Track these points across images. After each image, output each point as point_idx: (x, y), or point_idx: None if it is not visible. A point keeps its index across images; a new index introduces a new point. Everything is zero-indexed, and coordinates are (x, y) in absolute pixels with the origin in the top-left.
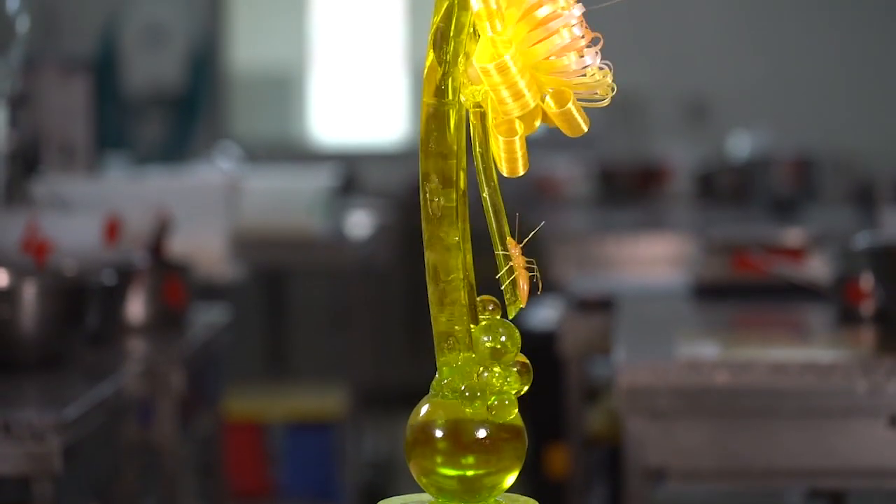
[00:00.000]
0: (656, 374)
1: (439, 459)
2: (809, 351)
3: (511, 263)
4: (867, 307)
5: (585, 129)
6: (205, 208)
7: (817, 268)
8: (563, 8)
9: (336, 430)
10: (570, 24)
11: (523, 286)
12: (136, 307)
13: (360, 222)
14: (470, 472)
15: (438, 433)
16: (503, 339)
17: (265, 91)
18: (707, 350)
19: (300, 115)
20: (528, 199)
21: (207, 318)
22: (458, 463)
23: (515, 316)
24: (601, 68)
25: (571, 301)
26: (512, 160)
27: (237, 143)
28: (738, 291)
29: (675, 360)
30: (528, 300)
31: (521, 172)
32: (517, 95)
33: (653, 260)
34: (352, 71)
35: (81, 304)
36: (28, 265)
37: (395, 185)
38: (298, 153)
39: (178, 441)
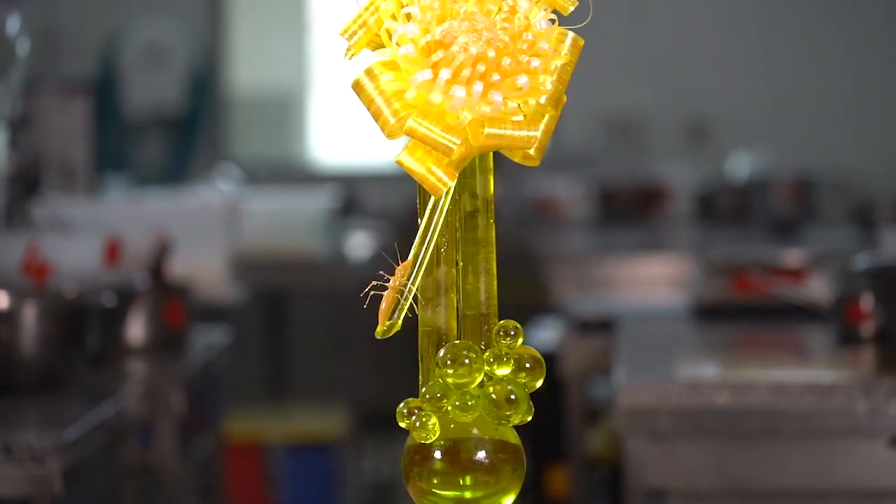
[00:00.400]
0: (657, 395)
1: (436, 480)
2: (810, 372)
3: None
4: (867, 328)
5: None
6: (205, 230)
7: (817, 288)
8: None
9: (336, 452)
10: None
11: (383, 305)
12: (136, 329)
13: (360, 244)
14: (468, 494)
15: (436, 454)
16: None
17: (265, 112)
18: (707, 371)
19: (300, 137)
20: (527, 219)
21: (208, 340)
22: (455, 484)
23: (521, 339)
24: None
25: (572, 322)
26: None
27: (237, 165)
28: (739, 312)
29: (675, 381)
30: (384, 323)
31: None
32: (375, 114)
33: (653, 281)
34: (352, 92)
35: (81, 325)
36: (28, 287)
37: (395, 206)
38: (298, 175)
39: (178, 462)
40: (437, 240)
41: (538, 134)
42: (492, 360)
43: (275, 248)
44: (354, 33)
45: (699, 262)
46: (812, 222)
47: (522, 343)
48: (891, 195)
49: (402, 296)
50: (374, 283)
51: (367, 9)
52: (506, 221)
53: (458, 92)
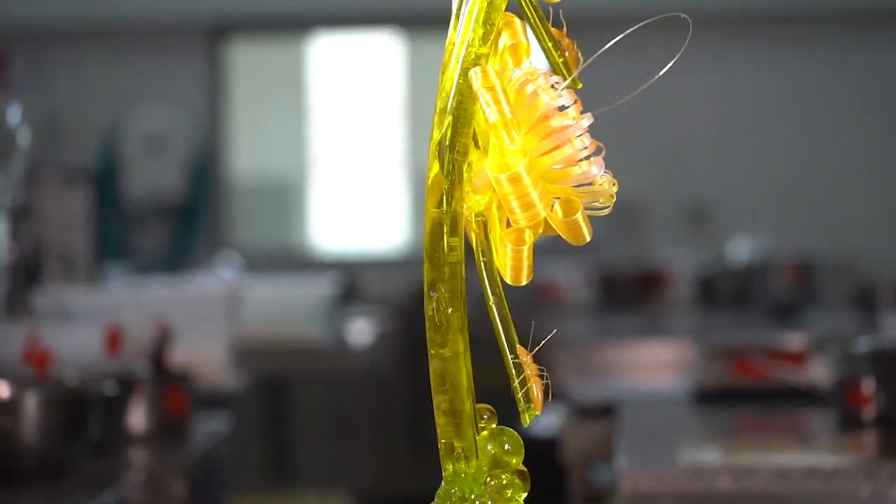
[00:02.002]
0: (659, 480)
1: None
2: (812, 456)
3: (524, 372)
4: (869, 411)
5: (588, 239)
6: (205, 317)
7: (818, 372)
8: (572, 118)
9: None
10: (579, 134)
11: (537, 393)
12: (137, 417)
13: (361, 330)
14: None
15: None
16: (507, 447)
17: (265, 199)
18: (709, 456)
19: (300, 224)
20: (528, 304)
21: (209, 428)
22: None
23: (516, 423)
24: (604, 176)
25: (573, 407)
26: (517, 268)
27: (238, 252)
28: (740, 396)
29: (677, 465)
30: (541, 407)
31: (525, 281)
32: (527, 206)
33: (654, 365)
34: (351, 178)
35: (83, 414)
36: (29, 376)
37: (395, 292)
38: (299, 261)
39: None
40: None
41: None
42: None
43: (276, 335)
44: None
45: (700, 347)
46: (813, 305)
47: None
48: (891, 278)
49: (543, 377)
50: (525, 375)
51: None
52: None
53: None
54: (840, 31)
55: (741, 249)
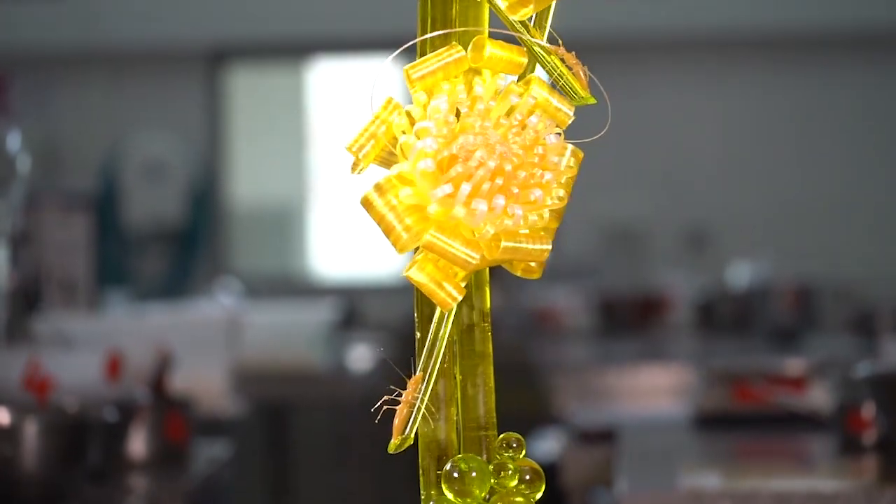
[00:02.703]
0: None
1: None
2: (812, 481)
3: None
4: (869, 436)
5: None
6: (206, 344)
7: (819, 397)
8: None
9: None
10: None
11: (397, 421)
12: (137, 443)
13: (361, 356)
14: None
15: None
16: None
17: (265, 225)
18: (709, 481)
19: (300, 250)
20: (528, 330)
21: (209, 454)
22: None
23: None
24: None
25: (573, 433)
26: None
27: (238, 278)
28: (740, 421)
29: (677, 491)
30: (398, 437)
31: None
32: (388, 230)
33: (654, 390)
34: (351, 204)
35: (83, 440)
36: (29, 402)
37: (395, 318)
38: (299, 287)
39: None
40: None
41: (550, 247)
42: (499, 472)
43: (276, 361)
44: (362, 147)
45: (700, 371)
46: (813, 330)
47: (524, 455)
48: (891, 303)
49: (414, 409)
50: (385, 397)
51: (373, 122)
52: (506, 332)
53: (481, 206)
54: (840, 55)
55: (741, 274)
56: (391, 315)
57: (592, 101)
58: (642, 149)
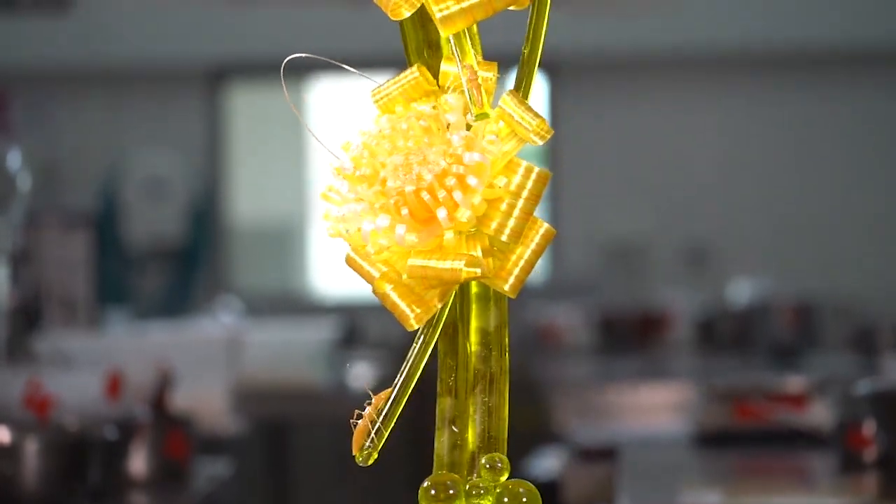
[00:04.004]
0: None
1: None
2: (813, 499)
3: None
4: (870, 454)
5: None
6: (206, 362)
7: (819, 414)
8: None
9: None
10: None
11: (355, 436)
12: (138, 462)
13: (361, 374)
14: None
15: None
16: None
17: (266, 243)
18: (710, 498)
19: (301, 268)
20: (528, 347)
21: (210, 472)
22: None
23: (519, 467)
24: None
25: (573, 450)
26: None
27: (238, 296)
28: (740, 439)
29: None
30: (355, 451)
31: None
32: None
33: (654, 408)
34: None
35: (83, 459)
36: (30, 421)
37: (396, 336)
38: (299, 305)
39: None
40: (443, 372)
41: (461, 265)
42: (472, 493)
43: (276, 379)
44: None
45: (700, 389)
46: (813, 348)
47: (510, 477)
48: (891, 320)
49: (373, 425)
50: (356, 412)
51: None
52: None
53: (365, 225)
54: (839, 73)
55: (741, 291)
56: (391, 333)
57: (487, 117)
58: (642, 166)
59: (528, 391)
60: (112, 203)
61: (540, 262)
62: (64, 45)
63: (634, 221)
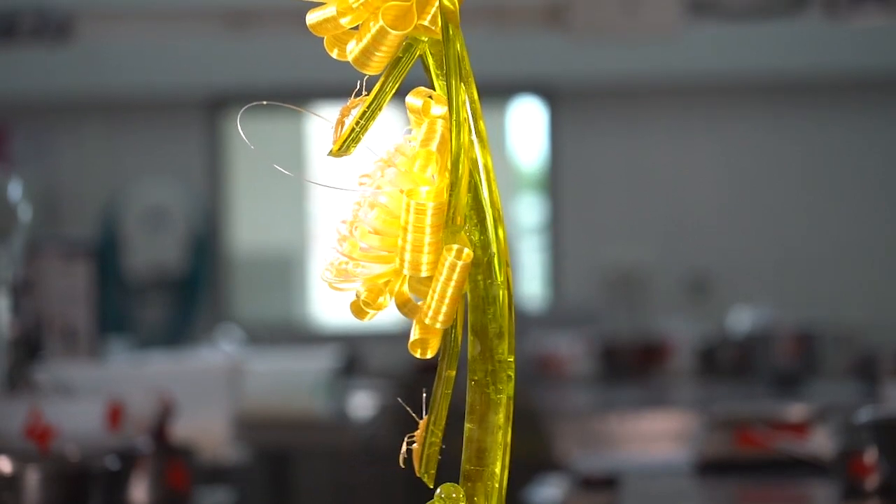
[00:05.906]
0: None
1: None
2: None
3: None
4: (871, 482)
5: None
6: (207, 391)
7: (821, 443)
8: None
9: None
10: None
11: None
12: (139, 492)
13: (362, 403)
14: None
15: None
16: None
17: (266, 273)
18: None
19: (301, 297)
20: (530, 376)
21: (212, 501)
22: None
23: (521, 495)
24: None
25: (575, 479)
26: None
27: (239, 326)
28: (742, 467)
29: None
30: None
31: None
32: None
33: (656, 436)
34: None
35: (85, 489)
36: (31, 451)
37: (397, 365)
38: (300, 335)
39: None
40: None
41: (379, 310)
42: None
43: (278, 409)
44: None
45: (702, 417)
46: (814, 376)
47: None
48: (892, 348)
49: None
50: (408, 437)
51: None
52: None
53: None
54: (840, 102)
55: (742, 320)
56: (392, 362)
57: (335, 155)
58: (643, 194)
59: (530, 420)
60: (113, 233)
61: (541, 291)
62: (64, 76)
63: (635, 250)
